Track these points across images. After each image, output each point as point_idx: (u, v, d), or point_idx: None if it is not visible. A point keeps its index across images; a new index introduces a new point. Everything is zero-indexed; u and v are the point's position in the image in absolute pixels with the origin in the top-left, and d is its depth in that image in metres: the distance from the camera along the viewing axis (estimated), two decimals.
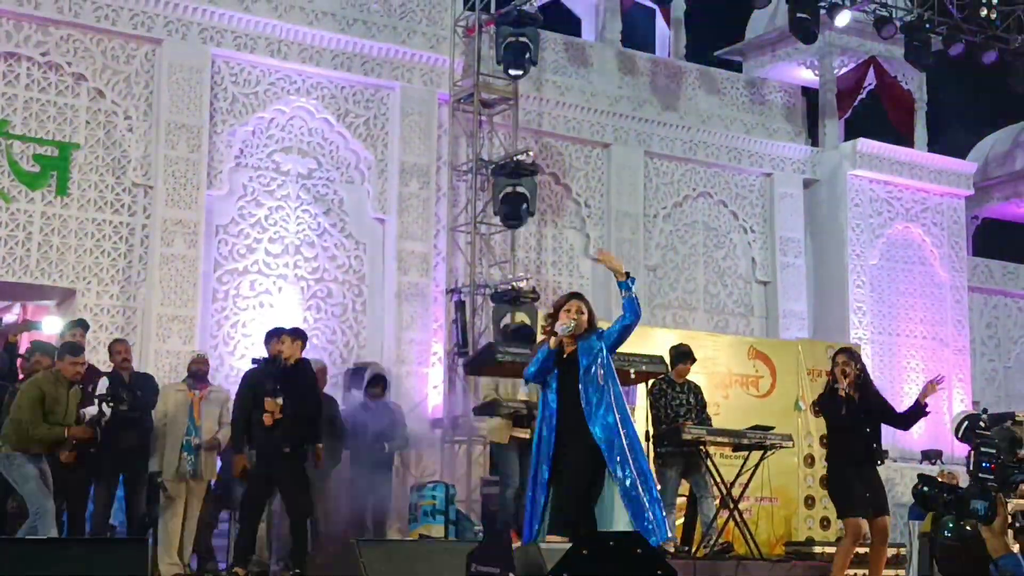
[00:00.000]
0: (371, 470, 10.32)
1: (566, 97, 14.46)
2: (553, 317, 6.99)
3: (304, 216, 12.62)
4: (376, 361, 11.93)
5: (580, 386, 6.81)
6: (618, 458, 6.64)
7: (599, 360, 6.84)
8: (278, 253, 12.40)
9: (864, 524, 8.38)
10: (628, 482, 6.58)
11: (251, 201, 12.39)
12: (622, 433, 6.70)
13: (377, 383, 10.97)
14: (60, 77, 11.59)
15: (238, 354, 12.00)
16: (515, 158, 12.91)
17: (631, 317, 6.85)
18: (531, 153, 13.08)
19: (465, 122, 13.49)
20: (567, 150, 14.56)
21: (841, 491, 8.50)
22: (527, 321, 12.01)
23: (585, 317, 6.98)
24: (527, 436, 9.72)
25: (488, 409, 9.85)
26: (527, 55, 12.97)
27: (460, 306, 12.92)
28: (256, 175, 12.45)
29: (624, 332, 6.92)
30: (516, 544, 6.27)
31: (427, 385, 12.76)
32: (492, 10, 13.39)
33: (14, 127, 11.33)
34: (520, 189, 12.75)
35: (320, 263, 12.63)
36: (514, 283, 12.58)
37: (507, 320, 12.19)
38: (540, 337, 8.54)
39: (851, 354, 8.70)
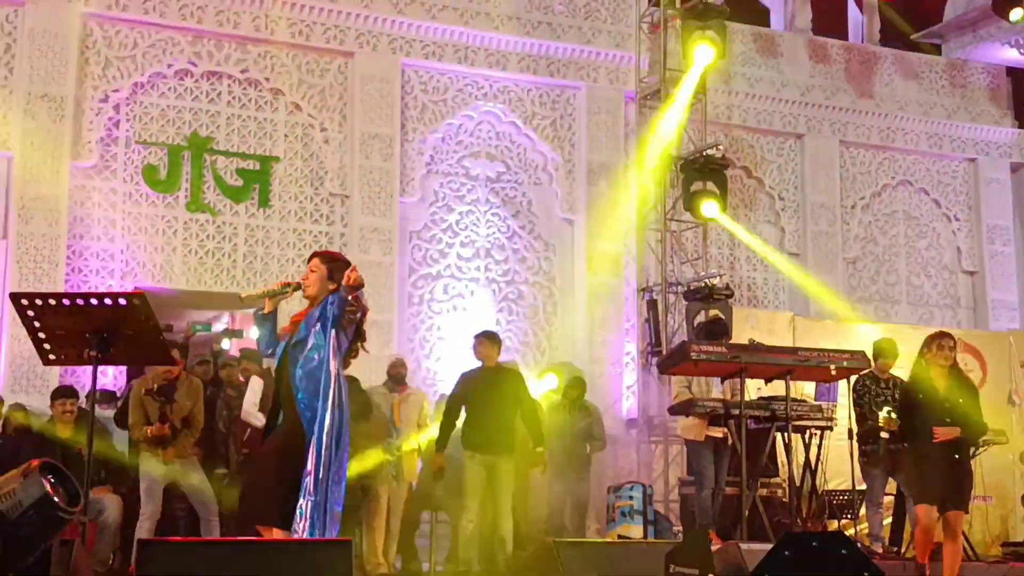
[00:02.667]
0: (570, 471, 10.35)
1: (756, 89, 14.18)
2: None
3: (494, 219, 12.75)
4: (570, 362, 11.95)
5: (289, 361, 5.76)
6: (313, 443, 5.63)
7: (313, 330, 5.72)
8: (469, 257, 12.56)
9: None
10: (309, 469, 5.59)
11: (442, 207, 12.59)
12: (323, 419, 5.66)
13: (576, 385, 10.98)
14: (259, 93, 12.02)
15: (434, 357, 12.21)
16: (705, 152, 12.72)
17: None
18: (721, 147, 12.87)
19: (652, 119, 13.36)
20: (758, 143, 14.27)
21: None
22: (721, 316, 11.81)
23: (316, 275, 5.80)
24: (721, 435, 9.59)
25: (683, 408, 9.73)
26: (714, 48, 12.77)
27: (652, 305, 12.81)
28: (446, 181, 12.65)
29: (341, 302, 5.71)
30: (716, 545, 6.17)
31: (621, 385, 12.71)
32: (677, 4, 13.24)
33: (218, 143, 11.79)
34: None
35: (511, 265, 12.73)
36: (707, 280, 12.39)
37: (700, 318, 12.02)
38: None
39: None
